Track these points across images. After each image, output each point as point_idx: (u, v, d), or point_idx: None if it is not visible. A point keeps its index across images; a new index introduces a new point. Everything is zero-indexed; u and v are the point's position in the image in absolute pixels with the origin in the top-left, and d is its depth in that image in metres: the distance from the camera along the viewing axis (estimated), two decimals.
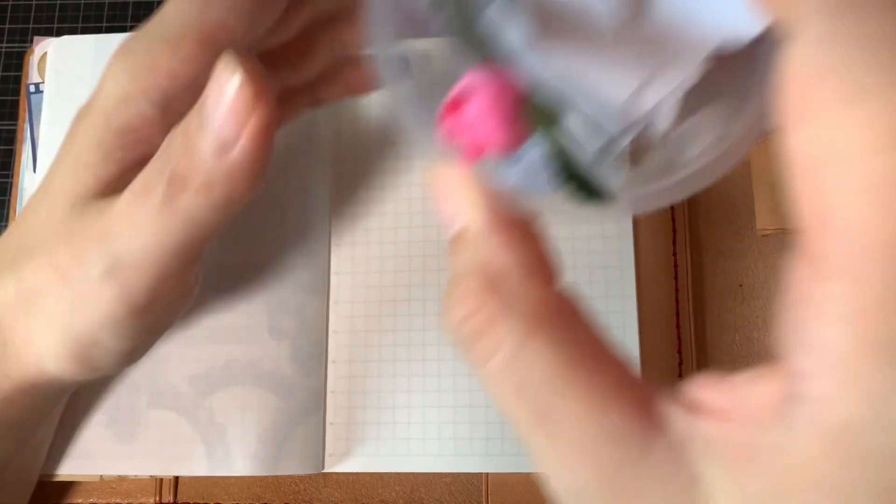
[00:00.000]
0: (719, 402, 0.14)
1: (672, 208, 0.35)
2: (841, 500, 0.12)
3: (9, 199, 0.38)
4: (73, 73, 0.37)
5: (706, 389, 0.15)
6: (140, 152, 0.23)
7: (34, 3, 0.40)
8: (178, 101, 0.23)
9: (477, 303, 0.15)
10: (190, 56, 0.23)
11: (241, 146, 0.21)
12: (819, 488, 0.13)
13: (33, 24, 0.40)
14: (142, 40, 0.23)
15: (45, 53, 0.37)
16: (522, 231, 0.16)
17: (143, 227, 0.22)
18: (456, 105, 0.15)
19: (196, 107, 0.22)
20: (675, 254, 0.35)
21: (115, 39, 0.37)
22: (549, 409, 0.15)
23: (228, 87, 0.20)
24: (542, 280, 0.16)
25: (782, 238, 0.34)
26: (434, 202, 0.16)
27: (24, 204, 0.36)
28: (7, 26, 0.40)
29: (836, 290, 0.12)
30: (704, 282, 0.35)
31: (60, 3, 0.40)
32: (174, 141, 0.22)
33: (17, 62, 0.39)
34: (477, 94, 0.15)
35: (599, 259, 0.34)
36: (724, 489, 0.14)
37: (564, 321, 0.15)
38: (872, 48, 0.12)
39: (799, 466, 0.13)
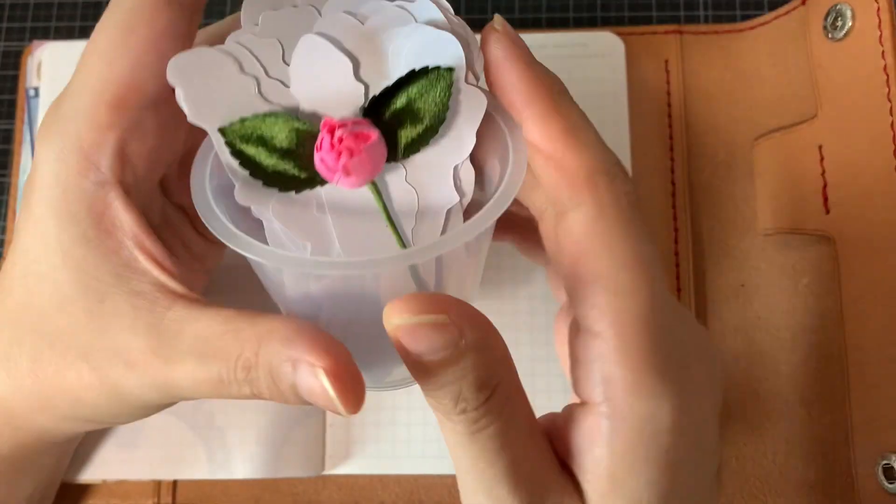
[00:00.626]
0: None
1: (674, 208, 0.35)
2: None
3: (7, 199, 0.38)
4: (68, 79, 0.36)
5: None
6: (110, 233, 0.23)
7: (32, 2, 0.40)
8: (116, 166, 0.23)
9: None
10: (107, 123, 0.23)
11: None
12: None
13: (31, 22, 0.40)
14: (56, 115, 0.23)
15: None
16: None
17: (208, 395, 0.23)
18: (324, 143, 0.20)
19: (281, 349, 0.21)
20: (676, 253, 0.34)
21: None
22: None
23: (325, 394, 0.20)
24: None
25: (784, 238, 0.34)
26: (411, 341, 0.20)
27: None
28: (5, 25, 0.40)
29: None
30: (706, 282, 0.34)
31: (59, 3, 0.40)
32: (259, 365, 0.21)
33: (14, 61, 0.39)
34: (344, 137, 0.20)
35: None
36: None
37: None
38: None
39: None
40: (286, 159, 0.21)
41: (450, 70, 0.21)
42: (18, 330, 0.24)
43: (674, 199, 0.35)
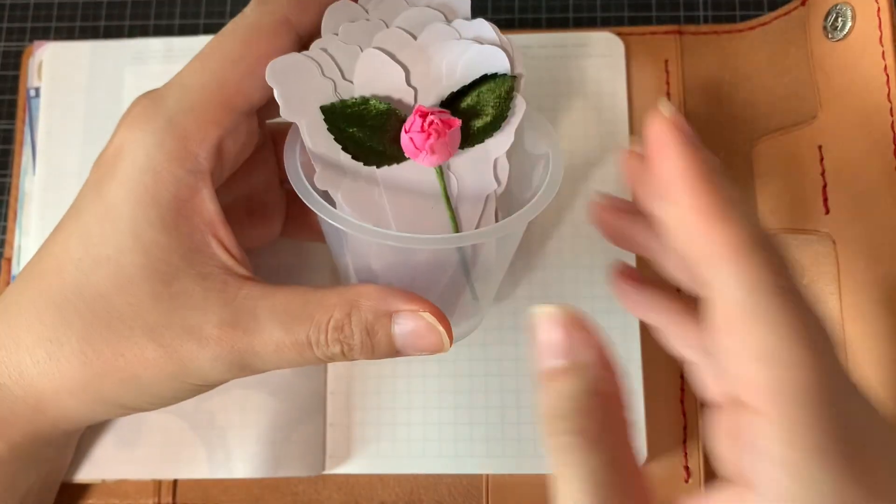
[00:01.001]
0: None
1: None
2: None
3: (8, 199, 0.38)
4: (68, 80, 0.37)
5: None
6: (188, 218, 0.25)
7: (32, 2, 0.40)
8: (212, 160, 0.25)
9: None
10: (215, 119, 0.25)
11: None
12: None
13: (31, 22, 0.40)
14: (162, 105, 0.25)
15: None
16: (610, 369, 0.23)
17: (286, 362, 0.25)
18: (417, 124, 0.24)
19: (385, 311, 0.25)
20: None
21: (111, 46, 0.37)
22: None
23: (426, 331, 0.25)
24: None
25: (784, 238, 0.34)
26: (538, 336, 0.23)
27: (23, 212, 0.36)
28: (5, 25, 0.40)
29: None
30: None
31: (59, 3, 0.40)
32: (352, 328, 0.24)
33: (14, 61, 0.39)
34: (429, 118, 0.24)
35: (601, 259, 0.34)
36: None
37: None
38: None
39: None
40: (374, 136, 0.25)
41: (512, 77, 0.26)
42: (67, 311, 0.25)
43: None
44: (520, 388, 0.33)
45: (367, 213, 0.26)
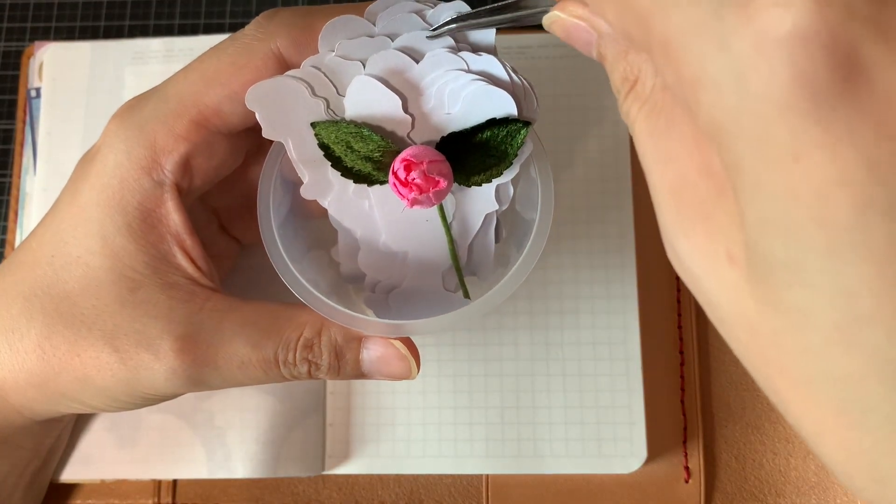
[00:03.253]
0: None
1: None
2: None
3: (8, 200, 0.38)
4: (69, 80, 0.37)
5: None
6: (154, 227, 0.25)
7: (32, 2, 0.40)
8: (177, 172, 0.25)
9: None
10: (184, 135, 0.25)
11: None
12: None
13: (31, 22, 0.40)
14: (139, 113, 0.25)
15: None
16: None
17: (249, 378, 0.25)
18: (408, 167, 0.23)
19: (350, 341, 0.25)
20: None
21: (111, 46, 0.37)
22: None
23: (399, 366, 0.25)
24: None
25: None
26: None
27: (24, 212, 0.36)
28: (5, 25, 0.40)
29: None
30: None
31: (59, 3, 0.40)
32: (322, 349, 0.25)
33: (14, 62, 0.39)
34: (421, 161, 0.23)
35: (601, 259, 0.34)
36: None
37: None
38: None
39: None
40: (366, 162, 0.24)
41: (528, 125, 0.24)
42: (33, 305, 0.25)
43: None
44: (520, 388, 0.33)
45: (357, 222, 0.25)
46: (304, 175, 0.25)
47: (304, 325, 0.25)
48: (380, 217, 0.25)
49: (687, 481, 0.32)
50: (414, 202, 0.24)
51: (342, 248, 0.26)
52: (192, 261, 0.25)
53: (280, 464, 0.32)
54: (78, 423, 0.32)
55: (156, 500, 0.33)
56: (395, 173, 0.24)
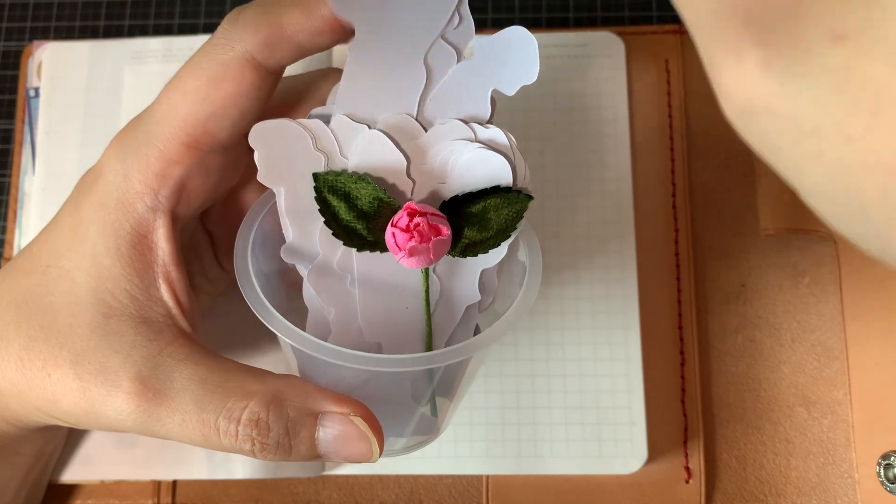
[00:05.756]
0: None
1: (674, 208, 0.35)
2: None
3: (7, 199, 0.37)
4: (67, 79, 0.37)
5: None
6: (143, 255, 0.25)
7: (32, 2, 0.40)
8: (172, 198, 0.25)
9: None
10: (176, 158, 0.24)
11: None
12: None
13: (31, 22, 0.40)
14: (134, 136, 0.25)
15: None
16: None
17: (189, 439, 0.23)
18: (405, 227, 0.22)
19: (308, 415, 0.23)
20: (676, 254, 0.34)
21: (110, 46, 0.37)
22: None
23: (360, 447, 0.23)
24: None
25: (785, 238, 0.34)
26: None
27: (22, 212, 0.36)
28: (4, 25, 0.40)
29: None
30: (707, 282, 0.34)
31: (58, 3, 0.40)
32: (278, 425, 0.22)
33: (14, 61, 0.39)
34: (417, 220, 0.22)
35: (601, 259, 0.34)
36: None
37: None
38: None
39: None
40: (360, 220, 0.23)
41: (528, 197, 0.24)
42: (22, 314, 0.25)
43: (674, 199, 0.35)
44: (519, 389, 0.33)
45: (334, 300, 0.24)
46: (289, 232, 0.24)
47: (253, 396, 0.22)
48: (360, 298, 0.24)
49: (687, 482, 0.32)
50: (411, 252, 0.22)
51: (311, 330, 0.24)
52: (174, 294, 0.25)
53: (280, 464, 0.32)
54: None
55: (155, 500, 0.33)
56: (395, 224, 0.23)
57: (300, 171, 0.23)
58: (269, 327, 0.23)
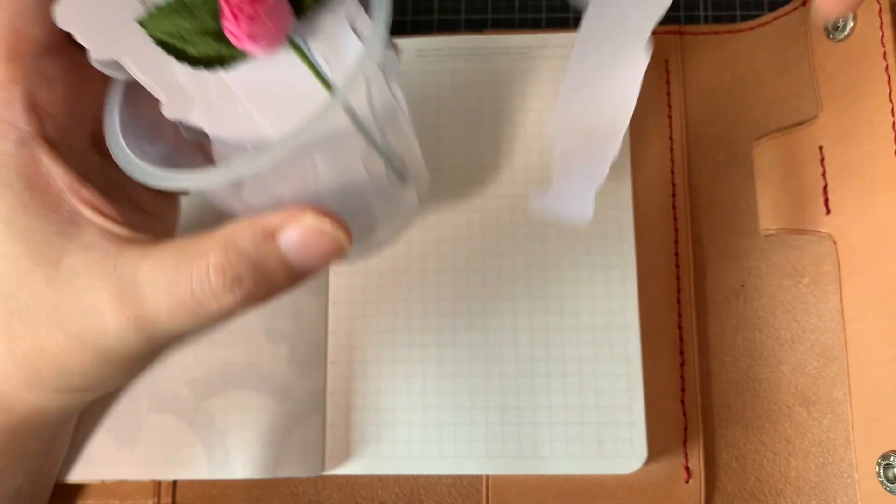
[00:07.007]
0: None
1: (674, 208, 0.35)
2: None
3: None
4: None
5: None
6: (45, 191, 0.23)
7: None
8: (32, 121, 0.23)
9: None
10: (10, 77, 0.23)
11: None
12: None
13: None
14: None
15: None
16: None
17: (186, 328, 0.23)
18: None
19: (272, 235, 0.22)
20: (676, 253, 0.34)
21: None
22: None
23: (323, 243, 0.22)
24: None
25: (784, 238, 0.34)
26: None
27: None
28: None
29: None
30: (706, 281, 0.34)
31: None
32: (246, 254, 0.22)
33: None
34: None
35: (601, 259, 0.34)
36: None
37: None
38: None
39: None
40: (205, 38, 0.22)
41: None
42: None
43: (674, 200, 0.35)
44: (520, 388, 0.33)
45: (236, 129, 0.22)
46: (159, 92, 0.22)
47: (209, 252, 0.22)
48: (258, 112, 0.22)
49: (687, 481, 0.32)
50: (250, 36, 0.21)
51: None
52: (99, 211, 0.23)
53: (280, 464, 0.32)
54: (78, 425, 0.32)
55: (155, 500, 0.33)
56: (224, 18, 0.21)
57: (127, 27, 0.22)
58: (147, 182, 0.22)
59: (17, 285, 0.23)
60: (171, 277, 0.22)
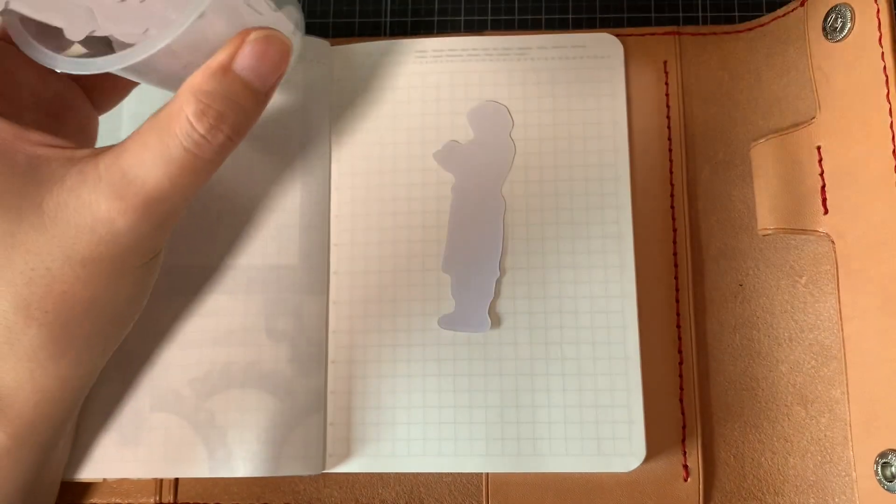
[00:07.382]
0: None
1: (673, 208, 0.35)
2: None
3: None
4: None
5: None
6: None
7: None
8: None
9: None
10: None
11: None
12: None
13: None
14: None
15: None
16: None
17: (189, 186, 0.24)
18: None
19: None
20: (675, 253, 0.34)
21: None
22: None
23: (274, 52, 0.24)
24: None
25: (783, 238, 0.34)
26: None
27: None
28: None
29: None
30: (705, 281, 0.35)
31: None
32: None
33: None
34: None
35: (600, 259, 0.34)
36: None
37: None
38: None
39: None
40: None
41: None
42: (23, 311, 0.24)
43: (672, 200, 0.35)
44: (519, 388, 0.33)
45: (140, 19, 0.24)
46: (57, 21, 0.23)
47: (183, 106, 0.23)
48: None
49: (686, 480, 0.32)
50: None
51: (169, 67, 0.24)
52: (52, 145, 0.24)
53: (281, 462, 0.32)
54: (80, 424, 0.33)
55: (157, 498, 0.33)
56: None
57: None
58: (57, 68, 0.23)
59: (18, 254, 0.23)
60: (159, 148, 0.23)
